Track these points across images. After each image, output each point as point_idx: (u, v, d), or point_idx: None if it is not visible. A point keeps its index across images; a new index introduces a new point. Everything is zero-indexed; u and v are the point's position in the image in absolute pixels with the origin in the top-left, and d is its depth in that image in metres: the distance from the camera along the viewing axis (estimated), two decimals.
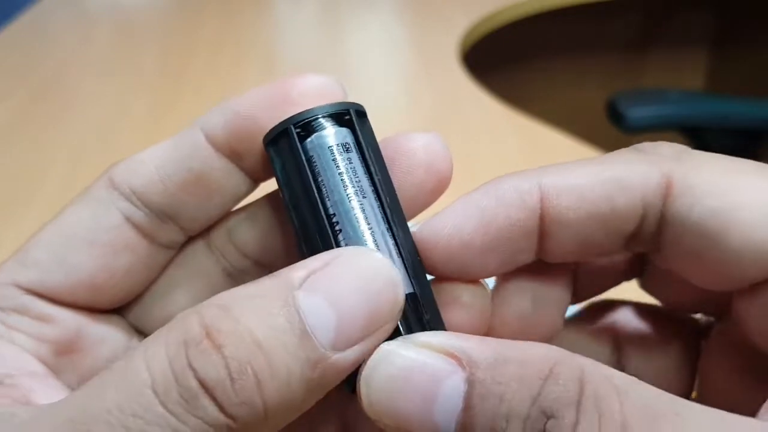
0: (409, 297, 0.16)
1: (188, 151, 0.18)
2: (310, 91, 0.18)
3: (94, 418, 0.13)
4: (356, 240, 0.16)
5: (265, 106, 0.18)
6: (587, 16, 1.41)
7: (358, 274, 0.15)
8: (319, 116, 0.17)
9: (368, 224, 0.17)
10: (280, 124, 0.17)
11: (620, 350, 0.21)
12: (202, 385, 0.13)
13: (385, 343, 0.15)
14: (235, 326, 0.14)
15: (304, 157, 0.17)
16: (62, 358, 0.19)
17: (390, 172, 0.18)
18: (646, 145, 0.18)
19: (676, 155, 0.17)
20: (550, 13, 1.20)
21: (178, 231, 0.19)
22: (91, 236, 0.18)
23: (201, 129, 0.18)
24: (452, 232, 0.17)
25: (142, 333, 0.20)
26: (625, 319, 0.21)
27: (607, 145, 0.80)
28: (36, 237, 0.19)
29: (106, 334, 0.19)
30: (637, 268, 0.20)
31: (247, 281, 0.15)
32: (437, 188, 0.18)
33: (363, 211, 0.17)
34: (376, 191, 0.17)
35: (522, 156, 0.70)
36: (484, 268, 0.17)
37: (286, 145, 0.17)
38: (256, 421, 0.14)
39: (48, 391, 0.17)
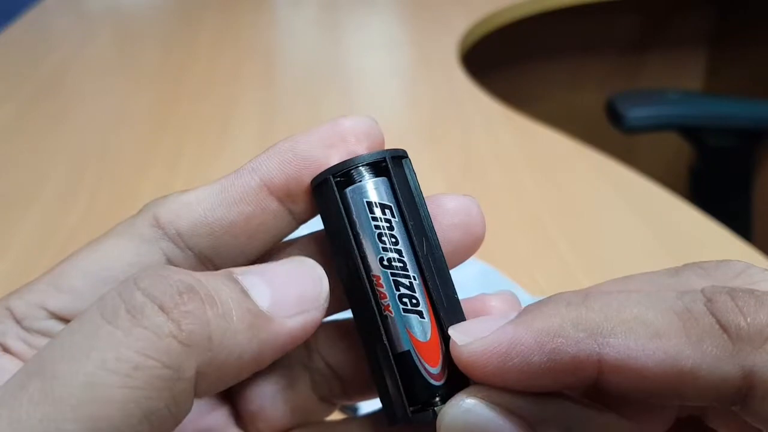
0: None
1: (240, 195, 0.19)
2: (361, 133, 0.19)
3: (49, 350, 0.14)
4: (390, 291, 0.18)
5: (323, 146, 0.19)
6: (586, 16, 1.41)
7: (287, 267, 0.18)
8: (359, 165, 0.18)
9: (404, 273, 0.18)
10: (322, 173, 0.18)
11: None
12: (148, 298, 0.14)
13: (463, 393, 0.16)
14: (180, 273, 0.15)
15: (342, 206, 0.18)
16: None
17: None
18: (710, 266, 0.17)
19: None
20: (550, 14, 1.20)
21: (212, 270, 0.20)
22: (131, 272, 0.18)
23: (255, 171, 0.19)
24: (490, 372, 0.16)
25: None
26: None
27: (607, 145, 0.80)
28: (73, 262, 0.19)
29: None
30: None
31: None
32: (471, 249, 0.20)
33: (397, 261, 0.18)
34: (410, 240, 0.18)
35: (521, 156, 0.70)
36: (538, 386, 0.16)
37: (327, 194, 0.18)
38: (201, 337, 0.14)
39: None
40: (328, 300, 0.18)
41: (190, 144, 0.74)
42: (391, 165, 0.18)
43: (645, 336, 0.14)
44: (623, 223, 0.59)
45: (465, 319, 0.18)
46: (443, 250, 0.19)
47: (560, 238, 0.56)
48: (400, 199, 0.18)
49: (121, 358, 0.14)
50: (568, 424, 0.15)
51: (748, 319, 0.14)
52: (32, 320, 0.18)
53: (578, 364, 0.15)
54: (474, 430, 0.15)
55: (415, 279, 0.18)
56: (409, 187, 0.19)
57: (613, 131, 1.11)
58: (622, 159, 0.67)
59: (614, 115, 1.09)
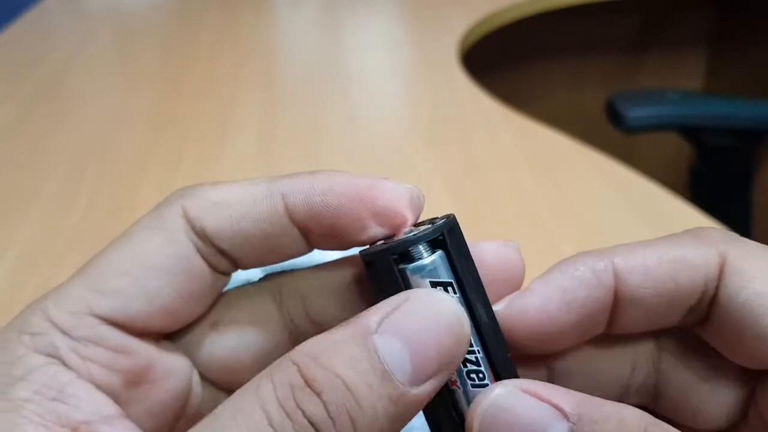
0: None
1: (266, 214, 0.19)
2: (396, 201, 0.19)
3: None
4: (458, 367, 0.18)
5: (351, 203, 0.19)
6: (586, 16, 1.41)
7: (426, 313, 0.17)
8: (419, 243, 0.18)
9: (470, 349, 0.18)
10: (380, 251, 0.18)
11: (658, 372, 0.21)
12: (311, 423, 0.15)
13: (496, 385, 0.18)
14: (327, 374, 0.16)
15: (404, 286, 0.18)
16: (132, 389, 0.19)
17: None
18: (699, 230, 0.20)
19: (730, 240, 0.19)
20: (549, 14, 1.20)
21: (234, 265, 0.20)
22: (170, 264, 0.19)
23: (282, 197, 0.19)
24: (538, 311, 0.19)
25: (195, 363, 0.21)
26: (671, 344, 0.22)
27: (607, 145, 0.80)
28: (107, 262, 0.18)
29: (174, 366, 0.20)
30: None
31: (306, 338, 0.17)
32: (511, 293, 0.20)
33: None
34: (470, 312, 0.18)
35: (521, 156, 0.70)
36: (562, 342, 0.20)
37: (385, 271, 0.18)
38: None
39: None
40: (469, 341, 0.18)
41: (190, 144, 0.74)
42: (448, 238, 0.18)
43: None
44: (623, 223, 0.59)
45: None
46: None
47: (560, 238, 0.56)
48: (458, 271, 0.18)
49: None
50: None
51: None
52: (83, 329, 0.18)
53: (599, 275, 0.19)
54: (508, 417, 0.17)
55: (479, 353, 0.18)
56: (463, 255, 0.18)
57: (613, 131, 1.11)
58: (622, 159, 0.67)
59: (614, 115, 1.09)
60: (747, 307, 0.18)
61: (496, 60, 1.33)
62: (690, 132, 1.12)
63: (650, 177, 0.63)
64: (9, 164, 0.72)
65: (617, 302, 0.19)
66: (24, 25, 1.15)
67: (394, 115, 0.84)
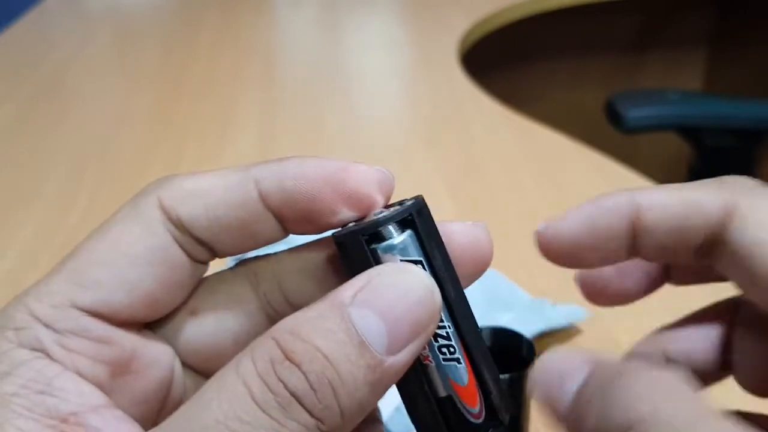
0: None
1: (240, 201, 0.19)
2: (366, 184, 0.19)
3: (206, 427, 0.16)
4: (429, 343, 0.18)
5: (323, 187, 0.19)
6: (586, 16, 1.41)
7: (398, 285, 0.17)
8: (388, 223, 0.18)
9: (441, 325, 0.18)
10: (351, 232, 0.18)
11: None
12: (293, 395, 0.16)
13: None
14: (306, 346, 0.16)
15: (373, 262, 0.18)
16: (117, 379, 0.19)
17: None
18: (726, 178, 0.22)
19: (749, 190, 0.21)
20: (549, 15, 1.20)
21: (211, 254, 0.21)
22: (149, 255, 0.19)
23: (255, 184, 0.19)
24: (568, 233, 0.22)
25: (176, 351, 0.21)
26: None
27: (607, 145, 0.80)
28: (86, 254, 0.19)
29: (156, 354, 0.20)
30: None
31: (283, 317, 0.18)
32: (478, 274, 0.21)
33: None
34: (441, 290, 0.18)
35: (521, 156, 0.70)
36: (589, 262, 0.23)
37: (356, 251, 0.18)
38: (336, 422, 0.16)
39: (114, 425, 0.18)
40: (440, 311, 0.18)
41: (190, 144, 0.74)
42: (416, 218, 0.19)
43: None
44: None
45: (491, 356, 0.19)
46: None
47: None
48: (427, 250, 0.19)
49: None
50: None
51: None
52: (66, 322, 0.18)
53: (620, 207, 0.21)
54: (557, 370, 0.18)
55: (449, 328, 0.18)
56: (432, 234, 0.19)
57: (613, 131, 1.11)
58: (622, 159, 0.67)
59: (614, 115, 1.09)
60: (747, 251, 0.20)
61: (496, 60, 1.34)
62: (689, 132, 1.12)
63: (650, 177, 0.63)
64: (9, 164, 0.72)
65: (636, 233, 0.22)
66: (24, 25, 1.15)
67: (394, 115, 0.84)
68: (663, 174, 0.88)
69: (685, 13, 1.58)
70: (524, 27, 1.16)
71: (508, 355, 0.30)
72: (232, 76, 0.94)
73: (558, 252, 0.22)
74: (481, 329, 0.30)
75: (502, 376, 0.26)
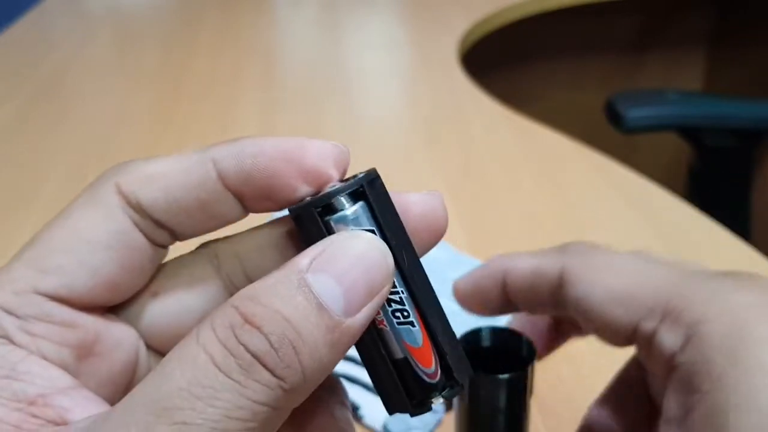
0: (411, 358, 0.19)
1: (198, 182, 0.19)
2: (322, 159, 0.20)
3: (169, 395, 0.16)
4: (383, 308, 0.19)
5: (281, 164, 0.19)
6: (586, 16, 1.41)
7: (351, 249, 0.18)
8: (340, 195, 0.19)
9: (394, 290, 0.19)
10: (304, 205, 0.19)
11: None
12: (254, 356, 0.16)
13: None
14: (266, 309, 0.17)
15: (327, 234, 0.19)
16: (83, 362, 0.19)
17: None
18: (567, 245, 0.29)
19: (579, 252, 0.28)
20: (549, 15, 1.20)
21: (172, 237, 0.21)
22: (109, 240, 0.19)
23: (214, 164, 0.19)
24: (463, 288, 0.31)
25: (140, 333, 0.21)
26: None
27: (607, 145, 0.80)
28: (46, 241, 0.19)
29: (120, 337, 0.20)
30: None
31: None
32: (435, 242, 0.21)
33: None
34: (394, 257, 0.19)
35: (521, 156, 0.70)
36: (482, 309, 0.31)
37: (311, 223, 0.19)
38: (298, 381, 0.17)
39: (83, 405, 0.18)
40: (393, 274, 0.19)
41: (190, 144, 0.74)
42: (368, 190, 0.19)
43: None
44: (623, 223, 0.59)
45: (448, 320, 0.20)
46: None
47: (560, 237, 0.56)
48: (380, 220, 0.19)
49: (242, 407, 0.16)
50: None
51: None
52: (28, 307, 0.18)
53: (495, 275, 0.30)
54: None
55: (403, 293, 0.19)
56: (385, 205, 0.20)
57: (613, 131, 1.11)
58: (622, 159, 0.67)
59: (614, 115, 1.09)
60: (576, 303, 0.26)
61: (496, 60, 1.34)
62: (689, 132, 1.12)
63: (650, 177, 0.63)
64: (9, 164, 0.72)
65: (506, 291, 0.29)
66: (24, 25, 1.15)
67: (394, 115, 0.84)
68: (663, 174, 0.88)
69: (685, 13, 1.58)
70: (524, 27, 1.16)
71: (508, 355, 0.30)
72: (232, 76, 0.94)
73: (461, 301, 0.31)
74: (481, 329, 0.31)
75: (502, 376, 0.27)
